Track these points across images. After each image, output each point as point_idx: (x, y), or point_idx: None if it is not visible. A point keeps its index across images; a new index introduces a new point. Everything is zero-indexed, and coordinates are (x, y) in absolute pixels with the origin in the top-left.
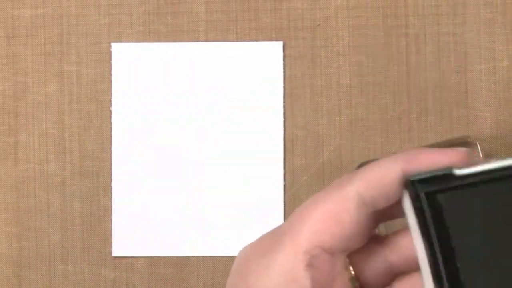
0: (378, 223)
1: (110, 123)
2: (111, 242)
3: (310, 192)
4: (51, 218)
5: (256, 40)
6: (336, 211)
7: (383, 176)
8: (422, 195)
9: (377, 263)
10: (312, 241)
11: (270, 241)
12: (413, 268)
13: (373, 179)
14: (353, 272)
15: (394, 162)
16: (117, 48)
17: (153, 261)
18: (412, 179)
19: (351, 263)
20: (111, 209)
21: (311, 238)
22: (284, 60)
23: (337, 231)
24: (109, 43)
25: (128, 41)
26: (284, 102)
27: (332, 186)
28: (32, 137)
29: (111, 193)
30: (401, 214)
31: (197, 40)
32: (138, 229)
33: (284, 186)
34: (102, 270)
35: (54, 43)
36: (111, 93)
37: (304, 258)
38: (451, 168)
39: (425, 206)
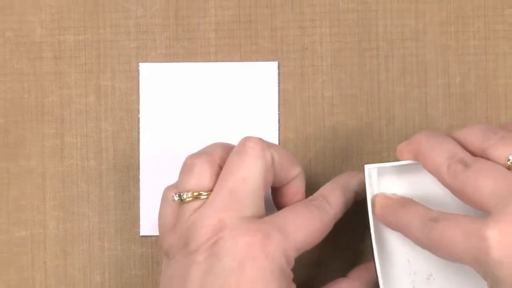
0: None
1: (138, 128)
2: (139, 224)
3: None
4: (90, 204)
5: (256, 60)
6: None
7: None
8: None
9: None
10: None
11: None
12: None
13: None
14: None
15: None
16: (144, 67)
17: None
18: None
19: None
20: (139, 196)
21: None
22: (278, 77)
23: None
24: (137, 63)
25: (153, 61)
26: (278, 110)
27: None
28: (75, 139)
29: (139, 184)
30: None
31: (208, 61)
32: None
33: None
34: (131, 247)
35: (93, 63)
36: (139, 103)
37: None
38: None
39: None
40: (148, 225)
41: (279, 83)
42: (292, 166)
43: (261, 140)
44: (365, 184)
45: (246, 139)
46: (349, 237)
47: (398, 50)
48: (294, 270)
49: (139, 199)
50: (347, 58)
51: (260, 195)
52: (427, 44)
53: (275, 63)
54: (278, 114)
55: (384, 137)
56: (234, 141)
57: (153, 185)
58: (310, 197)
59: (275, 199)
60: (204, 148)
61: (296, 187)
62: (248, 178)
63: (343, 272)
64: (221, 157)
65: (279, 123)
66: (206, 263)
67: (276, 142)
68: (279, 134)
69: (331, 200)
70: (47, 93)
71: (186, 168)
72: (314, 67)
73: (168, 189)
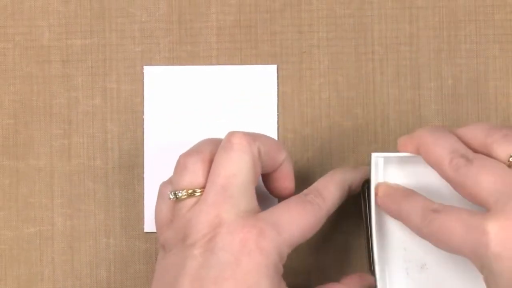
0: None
1: (143, 128)
2: (144, 220)
3: (298, 180)
4: (96, 202)
5: (256, 63)
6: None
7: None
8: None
9: None
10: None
11: None
12: None
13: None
14: None
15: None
16: (148, 70)
17: None
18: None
19: None
20: (144, 194)
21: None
22: (277, 79)
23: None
24: (142, 66)
25: (157, 65)
26: (277, 112)
27: None
28: (82, 139)
29: (143, 182)
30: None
31: (210, 64)
32: None
33: None
34: (136, 243)
35: (99, 66)
36: (143, 105)
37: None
38: None
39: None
40: (152, 222)
41: (278, 85)
42: (278, 153)
43: (245, 134)
44: (370, 172)
45: (231, 135)
46: (348, 242)
47: (392, 54)
48: (292, 274)
49: (143, 197)
50: (343, 61)
51: (251, 188)
52: (420, 48)
53: (274, 66)
54: (277, 115)
55: (379, 138)
56: None
57: (157, 183)
58: (305, 191)
59: (266, 184)
60: (195, 146)
61: (284, 172)
62: (237, 174)
63: (338, 278)
64: (211, 153)
65: (278, 123)
66: (202, 257)
67: None
68: (278, 134)
69: (325, 195)
70: (55, 95)
71: (179, 167)
72: (311, 70)
73: (163, 185)
